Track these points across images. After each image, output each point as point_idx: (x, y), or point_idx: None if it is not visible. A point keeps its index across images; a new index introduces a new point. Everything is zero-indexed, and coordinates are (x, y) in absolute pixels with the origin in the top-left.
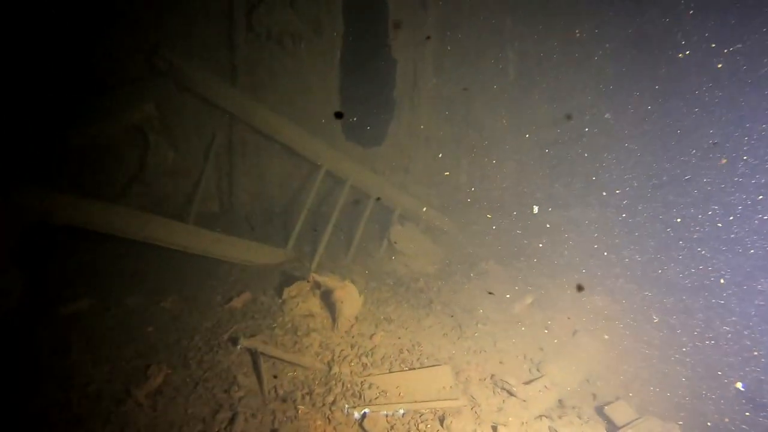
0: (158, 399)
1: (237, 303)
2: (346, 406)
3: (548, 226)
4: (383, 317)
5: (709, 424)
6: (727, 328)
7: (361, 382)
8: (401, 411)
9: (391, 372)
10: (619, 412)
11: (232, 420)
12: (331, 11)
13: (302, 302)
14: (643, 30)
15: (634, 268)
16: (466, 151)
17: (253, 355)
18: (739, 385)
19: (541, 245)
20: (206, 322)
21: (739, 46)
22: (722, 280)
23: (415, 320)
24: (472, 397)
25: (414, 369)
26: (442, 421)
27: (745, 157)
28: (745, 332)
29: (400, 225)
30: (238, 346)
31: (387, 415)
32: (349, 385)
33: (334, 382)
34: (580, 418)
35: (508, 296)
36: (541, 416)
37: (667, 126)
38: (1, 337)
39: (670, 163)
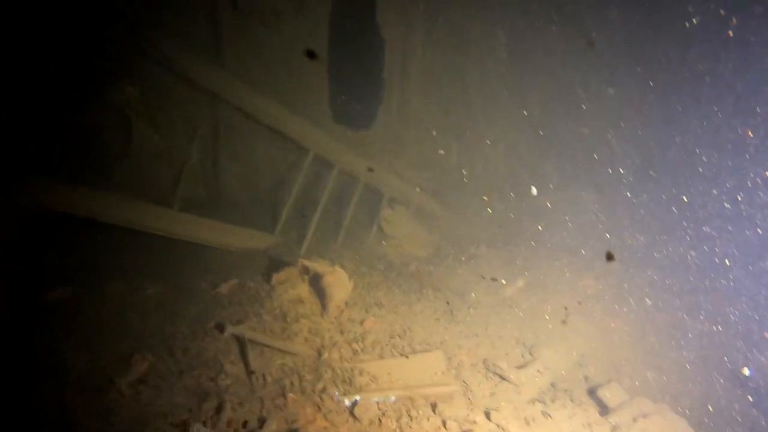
0: (142, 388)
1: (224, 289)
2: (337, 393)
3: (544, 208)
4: (374, 302)
5: (711, 408)
6: (733, 309)
7: (352, 368)
8: (392, 397)
9: (382, 358)
10: (611, 394)
11: (219, 409)
12: None
13: (291, 288)
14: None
15: (635, 249)
16: (458, 133)
17: (241, 342)
18: (745, 371)
19: (535, 227)
20: (192, 309)
21: (757, 9)
22: (727, 261)
23: (406, 305)
24: (464, 382)
25: (405, 355)
26: (434, 407)
27: (751, 133)
28: (753, 314)
29: (390, 209)
30: (225, 333)
31: (378, 402)
32: (339, 372)
33: (323, 368)
34: (572, 401)
35: (500, 280)
36: (533, 400)
37: (671, 101)
38: None
39: (676, 138)
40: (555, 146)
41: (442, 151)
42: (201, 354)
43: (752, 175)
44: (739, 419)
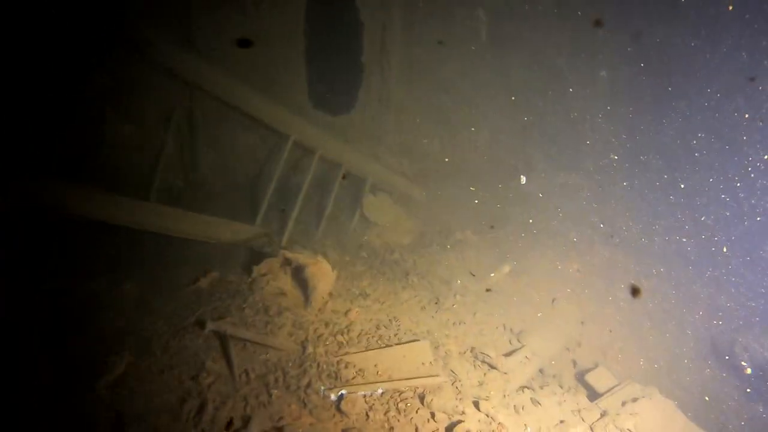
0: (121, 389)
1: (203, 283)
2: (322, 387)
3: (532, 193)
4: (358, 292)
5: (707, 398)
6: (727, 296)
7: (337, 361)
8: (380, 390)
9: (368, 350)
10: (600, 379)
11: (201, 408)
12: None
13: (273, 280)
14: None
15: (627, 237)
16: (441, 118)
17: (222, 338)
18: (748, 370)
19: (522, 213)
20: (171, 305)
21: None
22: (725, 248)
23: (391, 294)
24: (452, 371)
25: (392, 345)
26: (422, 398)
27: (746, 114)
28: (749, 302)
29: (372, 196)
30: (206, 330)
31: (365, 396)
32: (324, 366)
33: (308, 363)
34: (561, 387)
35: (485, 266)
36: (522, 388)
37: (664, 82)
38: None
39: (668, 123)
40: (543, 131)
41: (425, 140)
42: (181, 352)
43: (751, 159)
44: (729, 402)
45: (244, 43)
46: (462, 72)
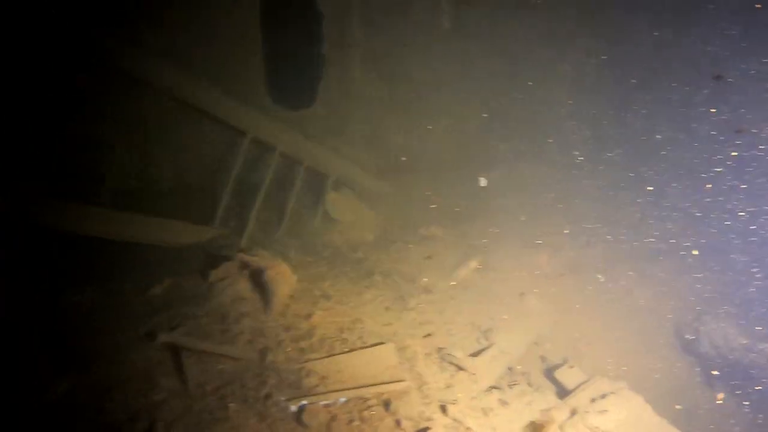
0: (65, 409)
1: (156, 291)
2: (282, 398)
3: (497, 186)
4: (320, 294)
5: (672, 388)
6: (687, 288)
7: (299, 369)
8: (343, 399)
9: (331, 355)
10: (569, 375)
11: (151, 428)
12: None
13: (230, 285)
14: None
15: (594, 231)
16: (403, 111)
17: (175, 350)
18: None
19: (484, 207)
20: (120, 316)
21: None
22: (694, 250)
23: (355, 295)
24: (418, 375)
25: (356, 350)
26: (387, 405)
27: (713, 109)
28: (710, 294)
29: (335, 192)
30: (157, 341)
31: (327, 405)
32: (285, 375)
33: (268, 372)
34: (530, 385)
35: (452, 261)
36: (491, 388)
37: (631, 75)
38: None
39: (634, 117)
40: (506, 124)
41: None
42: (131, 367)
43: (721, 157)
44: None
45: (199, 37)
46: (425, 63)
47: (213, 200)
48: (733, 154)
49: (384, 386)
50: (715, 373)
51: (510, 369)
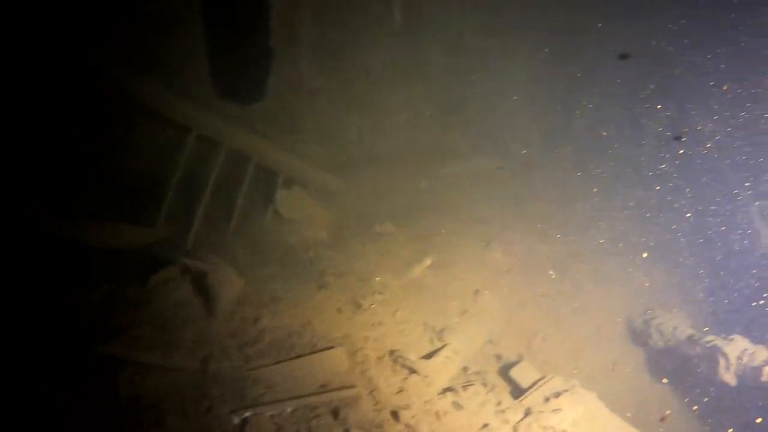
0: None
1: (93, 297)
2: (225, 410)
3: (452, 181)
4: (269, 297)
5: (625, 383)
6: (642, 283)
7: (244, 377)
8: (289, 408)
9: (278, 362)
10: (523, 373)
11: None
12: None
13: (173, 290)
14: None
15: (548, 227)
16: (356, 105)
17: (110, 363)
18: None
19: (439, 202)
20: (51, 329)
21: None
22: (645, 252)
23: (305, 297)
24: (370, 380)
25: (304, 355)
26: (336, 413)
27: (659, 105)
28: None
29: (286, 189)
30: (92, 353)
31: (273, 416)
32: (229, 384)
33: (210, 382)
34: (485, 385)
35: (405, 259)
36: (445, 390)
37: (584, 63)
38: None
39: (590, 105)
40: (463, 116)
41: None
42: (60, 383)
43: (667, 155)
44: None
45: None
46: (378, 56)
47: (156, 201)
48: (680, 152)
49: (334, 393)
50: (667, 364)
51: (464, 369)
